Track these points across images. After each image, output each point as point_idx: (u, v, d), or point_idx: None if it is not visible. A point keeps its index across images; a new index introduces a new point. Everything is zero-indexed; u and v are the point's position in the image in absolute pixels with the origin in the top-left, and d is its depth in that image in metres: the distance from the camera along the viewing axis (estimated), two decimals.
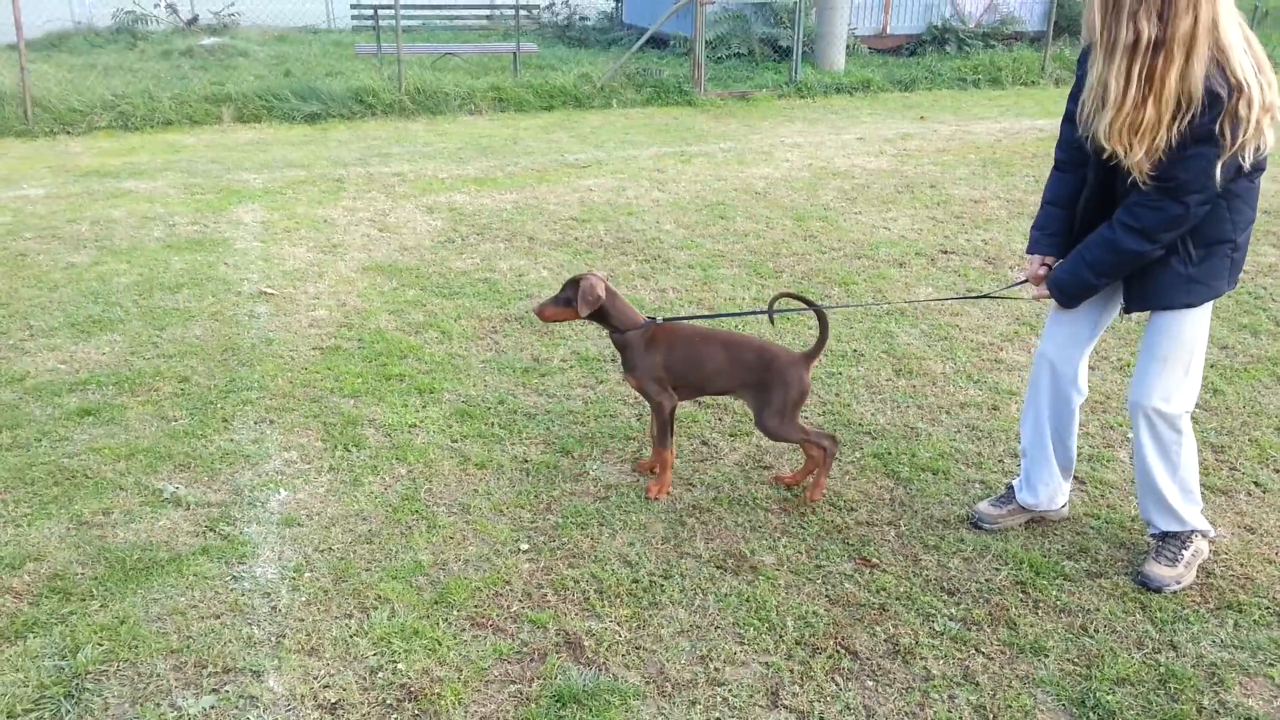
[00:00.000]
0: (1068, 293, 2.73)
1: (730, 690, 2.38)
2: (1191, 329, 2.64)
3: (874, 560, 2.89)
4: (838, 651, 2.51)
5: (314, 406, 3.81)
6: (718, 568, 2.86)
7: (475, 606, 2.67)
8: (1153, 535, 2.86)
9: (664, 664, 2.47)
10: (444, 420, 3.73)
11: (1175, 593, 2.73)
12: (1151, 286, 2.63)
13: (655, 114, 10.90)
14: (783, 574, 2.83)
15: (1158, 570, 2.76)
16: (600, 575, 2.80)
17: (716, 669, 2.45)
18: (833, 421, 3.74)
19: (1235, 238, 2.57)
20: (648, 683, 2.40)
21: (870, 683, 2.41)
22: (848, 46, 13.36)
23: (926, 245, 5.99)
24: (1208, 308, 2.65)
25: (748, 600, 2.71)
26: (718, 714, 2.31)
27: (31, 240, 5.91)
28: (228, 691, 2.35)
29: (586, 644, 2.52)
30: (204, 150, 8.67)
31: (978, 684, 2.40)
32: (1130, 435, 3.18)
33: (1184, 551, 2.79)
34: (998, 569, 2.85)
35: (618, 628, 2.59)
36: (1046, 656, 2.50)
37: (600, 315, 3.09)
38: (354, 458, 3.44)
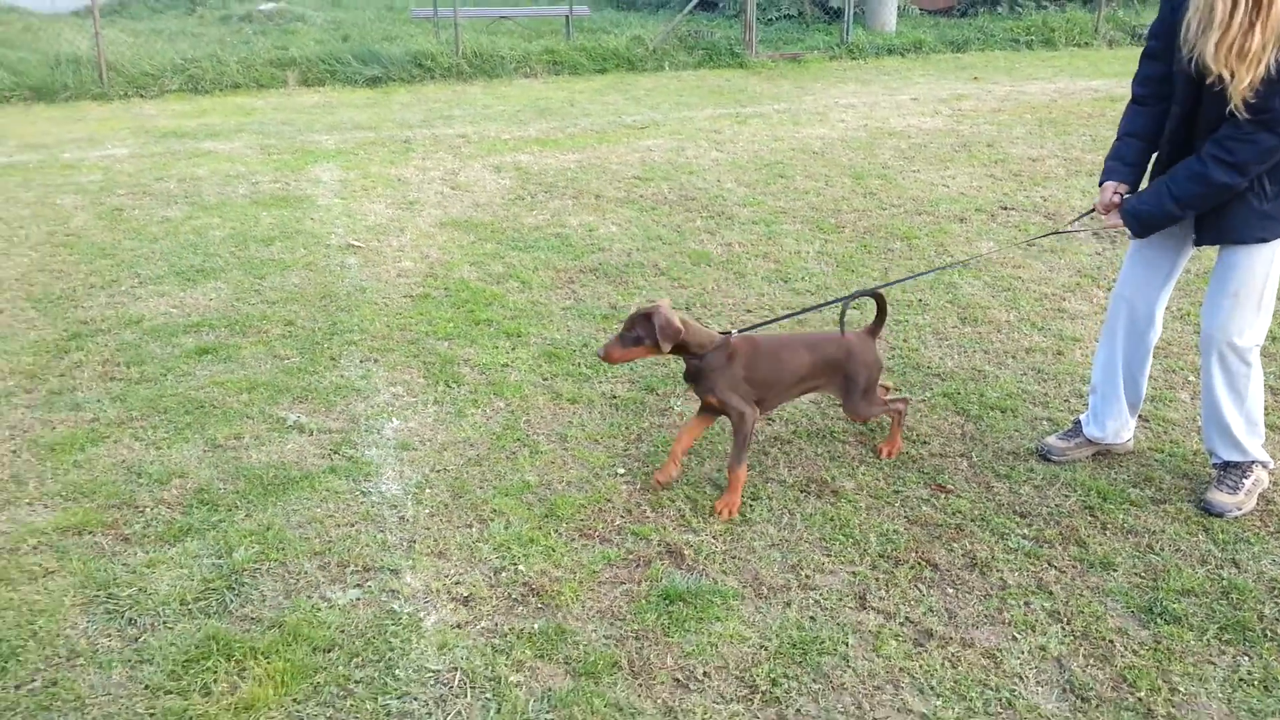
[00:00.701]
0: (1145, 223, 2.80)
1: (821, 594, 2.61)
2: (1264, 265, 2.74)
3: (949, 486, 3.09)
4: (919, 563, 2.73)
5: (412, 348, 4.08)
6: (801, 491, 3.08)
7: (582, 520, 2.92)
8: (1215, 465, 3.02)
9: (758, 571, 2.70)
10: (533, 360, 3.97)
11: (1236, 518, 2.90)
12: (1225, 221, 2.72)
13: (707, 76, 11.01)
14: (863, 498, 3.04)
15: (1220, 497, 2.93)
16: (694, 496, 3.04)
17: (807, 576, 2.68)
18: (902, 364, 3.93)
19: None
20: (745, 586, 2.64)
21: (951, 590, 2.63)
22: (899, 7, 13.31)
23: (986, 202, 6.11)
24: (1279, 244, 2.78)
25: (831, 519, 2.93)
26: (811, 614, 2.54)
27: (125, 196, 6.24)
28: (370, 586, 2.62)
29: (686, 553, 2.76)
30: (273, 113, 8.96)
31: (1051, 593, 2.61)
32: (1198, 371, 3.33)
33: (1245, 480, 2.95)
34: (1067, 495, 3.04)
35: (713, 540, 2.83)
36: (1115, 571, 2.69)
37: (679, 346, 2.92)
38: (455, 392, 3.70)
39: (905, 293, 4.65)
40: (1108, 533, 2.86)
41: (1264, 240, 2.71)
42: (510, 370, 3.89)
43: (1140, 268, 3.00)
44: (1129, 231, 2.88)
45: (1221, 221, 2.74)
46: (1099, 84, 10.27)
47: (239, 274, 4.88)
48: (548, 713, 2.21)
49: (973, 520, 2.92)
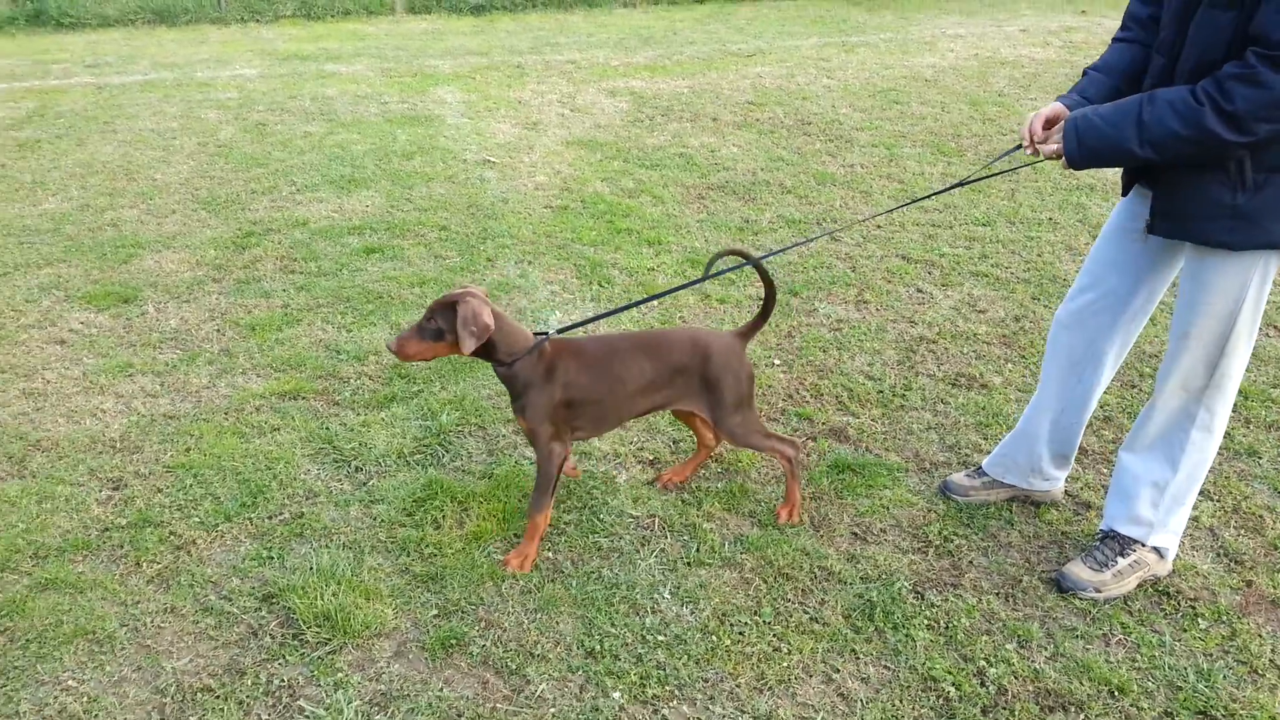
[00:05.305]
0: (1087, 145, 2.03)
1: None
2: (1232, 290, 2.06)
3: None
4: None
5: (561, 252, 4.33)
6: (951, 384, 3.27)
7: None
8: (1100, 530, 2.41)
9: (918, 450, 2.91)
10: (677, 266, 4.19)
11: (1095, 601, 2.29)
12: (1185, 208, 2.06)
13: (807, 6, 10.95)
14: (1011, 391, 3.22)
15: (1076, 569, 2.34)
16: (849, 385, 3.25)
17: (966, 454, 2.88)
18: (1038, 276, 4.06)
19: None
20: (907, 462, 2.85)
21: (1104, 470, 2.81)
22: None
23: None
24: (1266, 271, 2.06)
25: (983, 408, 3.12)
26: None
27: (265, 112, 6.56)
28: None
29: (850, 432, 2.98)
30: (386, 39, 9.21)
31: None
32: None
33: (1120, 559, 2.32)
34: None
35: (873, 423, 3.04)
36: (1260, 458, 2.84)
37: (485, 347, 2.32)
38: (609, 291, 3.94)
39: (1035, 211, 4.74)
40: (1251, 426, 3.00)
41: (1230, 247, 2.02)
42: (657, 274, 4.11)
43: (1101, 268, 2.35)
44: (1064, 160, 2.11)
45: (1180, 206, 2.07)
46: None
47: (387, 184, 5.17)
48: (743, 553, 2.46)
49: (1120, 413, 3.08)
